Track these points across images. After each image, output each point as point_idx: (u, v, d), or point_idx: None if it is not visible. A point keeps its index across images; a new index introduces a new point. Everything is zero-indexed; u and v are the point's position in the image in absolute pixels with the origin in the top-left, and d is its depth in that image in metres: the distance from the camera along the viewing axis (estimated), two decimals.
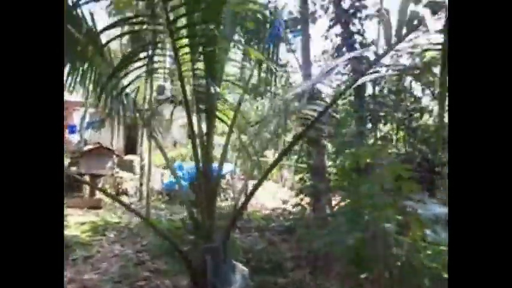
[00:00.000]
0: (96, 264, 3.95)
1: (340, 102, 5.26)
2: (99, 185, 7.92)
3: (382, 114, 5.30)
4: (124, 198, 8.34)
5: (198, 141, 2.54)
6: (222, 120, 2.64)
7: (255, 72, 3.00)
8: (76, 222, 5.39)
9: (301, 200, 6.04)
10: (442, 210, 1.68)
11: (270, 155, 10.88)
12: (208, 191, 2.58)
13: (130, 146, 13.01)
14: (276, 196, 10.02)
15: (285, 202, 6.19)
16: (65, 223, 4.97)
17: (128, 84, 2.52)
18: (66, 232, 4.79)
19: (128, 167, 10.01)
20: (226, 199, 9.53)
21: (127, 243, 4.73)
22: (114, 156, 7.87)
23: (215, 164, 9.80)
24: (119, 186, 8.54)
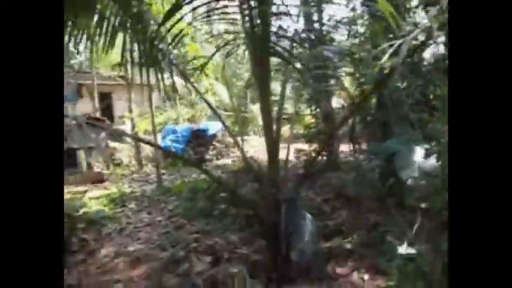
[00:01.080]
0: (134, 235, 3.84)
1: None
2: (92, 158, 7.54)
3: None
4: (121, 169, 8.06)
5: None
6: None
7: None
8: (90, 197, 5.15)
9: (311, 146, 6.10)
10: None
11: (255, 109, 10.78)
12: (271, 146, 2.46)
13: (107, 115, 12.36)
14: (263, 149, 10.04)
15: (299, 151, 6.25)
16: (82, 199, 4.74)
17: (175, 40, 2.21)
18: (86, 209, 4.58)
19: (115, 136, 9.55)
20: (219, 157, 9.44)
21: (153, 211, 4.62)
22: (106, 126, 7.43)
23: (205, 124, 9.58)
24: (113, 157, 8.19)
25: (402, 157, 2.75)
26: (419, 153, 2.76)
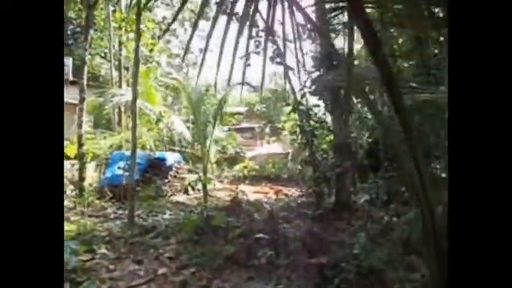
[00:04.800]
0: None
1: None
2: None
3: None
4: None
5: None
6: None
7: None
8: None
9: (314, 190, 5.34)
10: None
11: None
12: None
13: None
14: (216, 188, 8.94)
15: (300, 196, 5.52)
16: None
17: None
18: None
19: None
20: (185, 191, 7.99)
21: (143, 259, 3.16)
22: None
23: (162, 153, 8.14)
24: None
25: None
26: None
